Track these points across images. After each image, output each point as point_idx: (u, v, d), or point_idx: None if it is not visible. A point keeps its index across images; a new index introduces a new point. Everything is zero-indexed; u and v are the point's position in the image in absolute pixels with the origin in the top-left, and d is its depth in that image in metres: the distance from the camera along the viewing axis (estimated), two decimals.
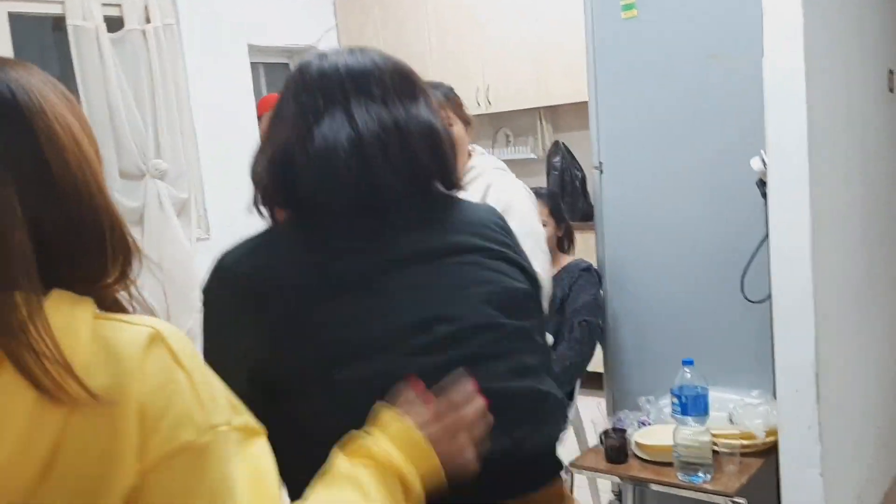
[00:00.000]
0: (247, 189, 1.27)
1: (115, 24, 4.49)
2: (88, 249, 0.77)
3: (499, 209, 1.38)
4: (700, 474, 2.16)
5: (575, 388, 2.94)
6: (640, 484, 2.35)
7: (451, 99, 2.23)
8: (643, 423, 2.45)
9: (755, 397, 2.42)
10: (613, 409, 2.80)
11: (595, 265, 2.91)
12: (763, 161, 2.22)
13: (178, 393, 0.73)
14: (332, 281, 1.13)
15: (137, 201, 4.56)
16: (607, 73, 2.72)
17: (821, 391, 2.18)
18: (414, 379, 1.04)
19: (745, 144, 2.34)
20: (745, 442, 2.25)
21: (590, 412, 2.88)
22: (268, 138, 1.23)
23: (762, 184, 2.26)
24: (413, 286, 1.15)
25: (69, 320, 0.72)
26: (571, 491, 2.51)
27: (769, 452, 2.29)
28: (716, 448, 2.21)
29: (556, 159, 5.08)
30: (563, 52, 4.69)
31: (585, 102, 2.81)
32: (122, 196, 4.46)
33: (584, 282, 2.88)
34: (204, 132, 4.83)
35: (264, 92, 5.51)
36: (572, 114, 5.04)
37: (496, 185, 2.19)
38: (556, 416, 1.24)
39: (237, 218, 1.36)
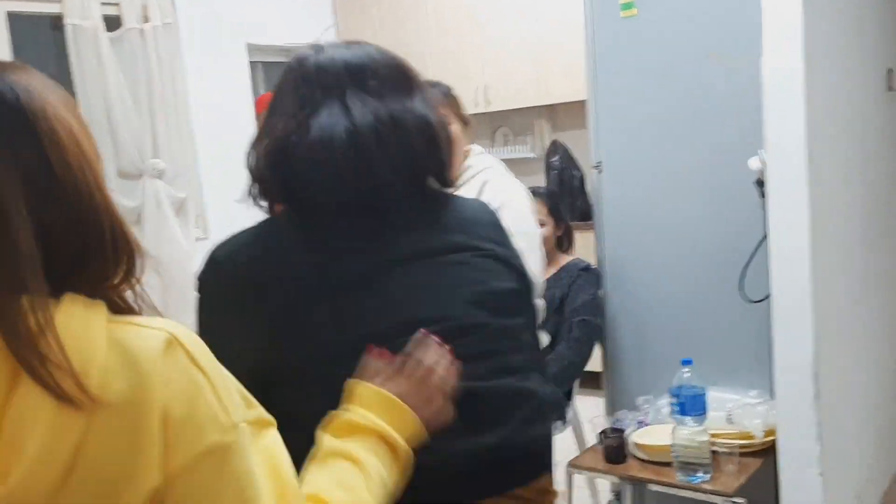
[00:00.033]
0: (247, 202, 1.27)
1: (113, 23, 4.49)
2: (93, 250, 0.78)
3: (493, 207, 1.38)
4: (699, 474, 2.16)
5: (573, 387, 2.94)
6: (638, 484, 2.35)
7: (450, 98, 2.22)
8: (642, 423, 2.44)
9: (754, 397, 2.42)
10: (612, 408, 2.80)
11: (594, 265, 2.91)
12: (762, 160, 2.22)
13: (199, 395, 0.75)
14: (332, 281, 1.15)
15: (135, 201, 4.55)
16: (606, 73, 2.72)
17: (820, 391, 2.18)
18: (375, 347, 1.07)
19: (744, 144, 2.34)
20: (743, 442, 2.25)
21: (588, 412, 2.88)
22: (265, 130, 1.23)
23: (761, 183, 2.26)
24: (408, 286, 1.16)
25: (85, 325, 0.73)
26: (570, 491, 2.50)
27: (768, 452, 2.28)
28: (714, 448, 2.21)
29: (555, 158, 5.07)
30: (562, 52, 4.68)
31: (584, 101, 2.81)
32: (120, 196, 4.45)
33: (583, 281, 2.88)
34: (202, 131, 4.83)
35: (263, 91, 5.50)
36: (571, 113, 5.04)
37: (492, 183, 2.18)
38: (542, 413, 1.23)
39: (236, 217, 1.36)
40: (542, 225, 3.02)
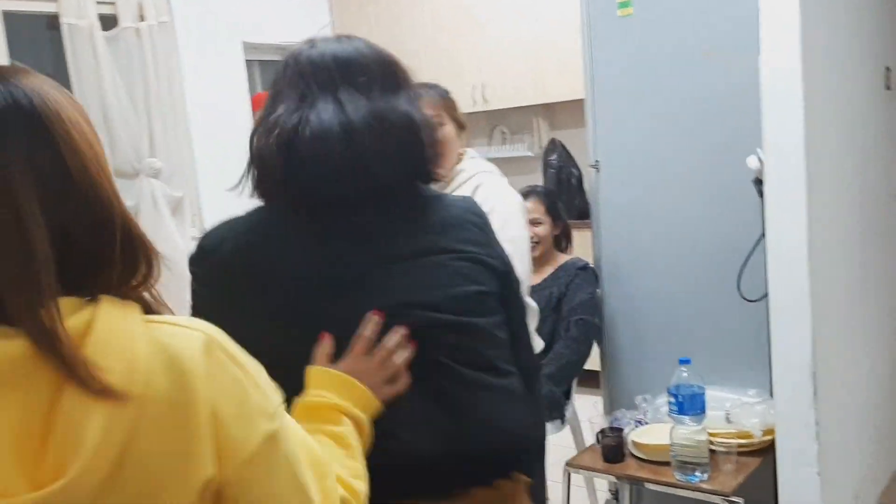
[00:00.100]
0: (243, 188, 1.27)
1: (109, 22, 4.47)
2: (111, 252, 0.80)
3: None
4: (697, 473, 2.16)
5: (571, 386, 2.94)
6: (636, 483, 2.35)
7: (446, 100, 2.22)
8: (640, 423, 2.44)
9: (752, 396, 2.42)
10: (610, 408, 2.80)
11: (591, 263, 2.91)
12: (760, 159, 2.22)
13: (244, 391, 0.80)
14: (331, 281, 1.18)
15: (132, 200, 4.54)
16: (604, 71, 2.71)
17: (818, 390, 2.18)
18: (325, 335, 1.14)
19: (742, 142, 2.34)
20: (742, 441, 2.24)
21: (586, 411, 2.88)
22: (274, 121, 1.22)
23: (759, 182, 2.26)
24: (392, 286, 1.20)
25: (124, 326, 0.75)
26: (568, 490, 2.50)
27: (766, 451, 2.28)
28: (713, 447, 2.21)
29: (553, 157, 5.07)
30: (559, 50, 4.68)
31: (582, 100, 2.81)
32: None
33: (580, 280, 2.87)
34: (199, 130, 4.82)
35: (259, 90, 5.49)
36: (569, 111, 5.03)
37: (484, 186, 2.18)
38: (511, 412, 1.24)
39: (233, 216, 1.36)
40: (539, 224, 3.02)
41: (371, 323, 1.15)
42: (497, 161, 4.24)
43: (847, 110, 2.55)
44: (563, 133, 5.23)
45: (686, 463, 2.17)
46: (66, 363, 0.71)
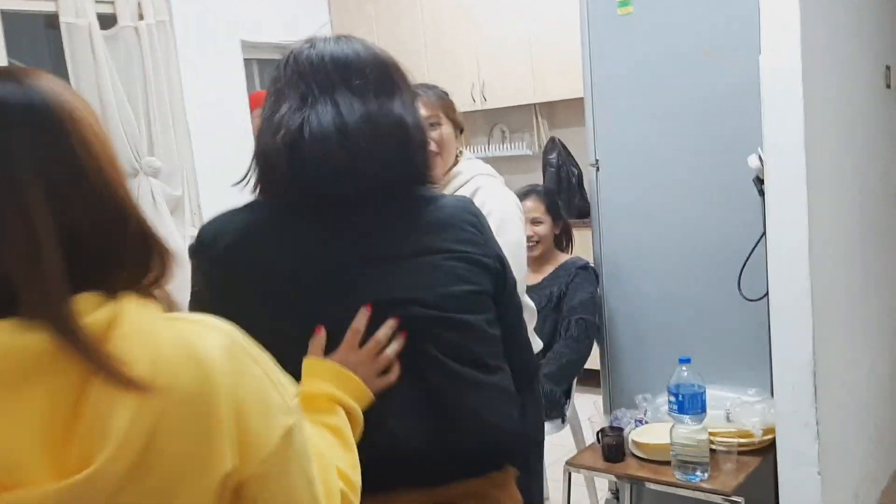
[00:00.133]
0: (242, 187, 1.29)
1: (108, 21, 4.47)
2: (128, 251, 0.81)
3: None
4: (697, 473, 2.15)
5: (572, 385, 2.94)
6: (637, 482, 2.35)
7: (444, 100, 2.21)
8: (640, 422, 2.44)
9: (752, 395, 2.41)
10: (610, 407, 2.80)
11: (591, 263, 2.91)
12: (760, 158, 2.21)
13: (264, 387, 0.82)
14: (327, 280, 1.21)
15: None
16: (603, 70, 2.71)
17: (818, 389, 2.17)
18: (320, 327, 1.18)
19: (742, 141, 2.33)
20: (742, 440, 2.24)
21: (587, 410, 2.87)
22: (277, 122, 1.24)
23: (759, 181, 2.25)
24: (386, 285, 1.22)
25: (149, 322, 0.77)
26: (569, 489, 2.50)
27: (767, 451, 2.28)
28: (713, 446, 2.20)
29: (553, 156, 5.06)
30: (559, 49, 4.67)
31: (581, 99, 2.80)
32: None
33: (580, 279, 2.87)
34: (198, 129, 4.81)
35: (258, 88, 5.48)
36: (568, 110, 5.03)
37: (483, 190, 2.18)
38: (500, 408, 1.27)
39: (231, 209, 1.37)
40: (540, 223, 3.02)
41: (362, 315, 1.18)
42: (497, 160, 4.22)
43: (847, 109, 2.55)
44: (562, 132, 5.22)
45: (686, 462, 2.16)
46: (90, 357, 0.72)
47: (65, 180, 0.77)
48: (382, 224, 1.25)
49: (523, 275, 2.24)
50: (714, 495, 2.15)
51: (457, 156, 2.26)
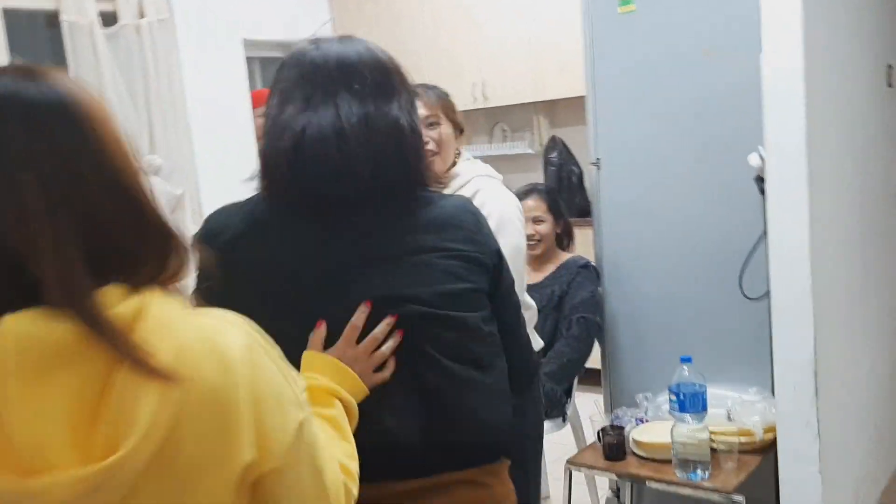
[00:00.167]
0: (242, 186, 1.31)
1: (109, 19, 4.47)
2: (147, 246, 0.83)
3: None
4: (698, 472, 2.16)
5: (573, 384, 2.94)
6: (637, 481, 2.35)
7: (444, 101, 2.21)
8: (641, 420, 2.44)
9: (753, 394, 2.41)
10: (611, 406, 2.80)
11: (592, 261, 2.91)
12: (761, 157, 2.21)
13: (280, 382, 0.84)
14: (325, 279, 1.23)
15: None
16: (604, 69, 2.71)
17: (819, 388, 2.18)
18: (321, 322, 1.20)
19: (743, 140, 2.34)
20: (743, 439, 2.24)
21: (587, 409, 2.88)
22: (283, 123, 1.26)
23: (760, 180, 2.26)
24: (383, 283, 1.24)
25: (173, 315, 0.80)
26: (570, 488, 2.50)
27: (767, 449, 2.29)
28: (714, 445, 2.21)
29: (553, 155, 5.06)
30: (559, 48, 4.67)
31: (582, 97, 2.80)
32: None
33: (582, 278, 2.87)
34: (199, 128, 4.81)
35: (260, 86, 5.48)
36: (569, 109, 5.03)
37: (482, 192, 2.17)
38: (493, 406, 1.29)
39: (233, 203, 1.38)
40: (541, 222, 3.02)
41: (361, 312, 1.21)
42: (497, 158, 4.22)
43: (848, 108, 2.55)
44: (563, 130, 5.22)
45: (687, 461, 2.17)
46: (117, 345, 0.74)
47: (85, 177, 0.78)
48: (382, 224, 1.27)
49: (522, 277, 2.24)
50: (715, 494, 2.15)
51: (455, 156, 2.26)
